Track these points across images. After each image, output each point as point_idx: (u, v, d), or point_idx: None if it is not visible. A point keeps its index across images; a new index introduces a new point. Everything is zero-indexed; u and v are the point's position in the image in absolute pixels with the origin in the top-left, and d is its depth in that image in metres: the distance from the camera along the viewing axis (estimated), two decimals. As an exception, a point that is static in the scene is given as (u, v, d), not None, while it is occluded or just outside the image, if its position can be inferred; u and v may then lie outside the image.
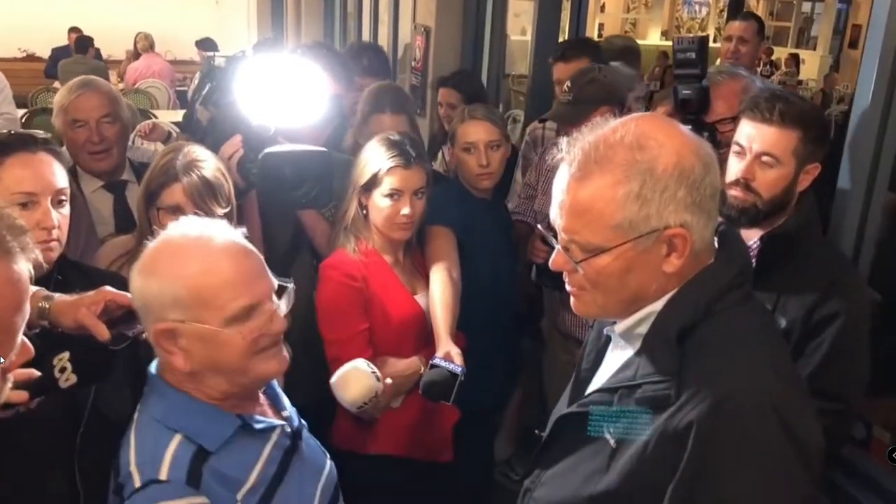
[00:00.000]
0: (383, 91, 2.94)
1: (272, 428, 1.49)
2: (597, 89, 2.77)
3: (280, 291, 1.45)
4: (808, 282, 1.92)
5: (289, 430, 1.53)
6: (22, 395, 1.40)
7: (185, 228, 1.40)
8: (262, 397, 1.55)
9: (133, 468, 1.33)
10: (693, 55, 2.25)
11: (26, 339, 1.02)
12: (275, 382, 1.60)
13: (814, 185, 2.00)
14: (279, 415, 1.56)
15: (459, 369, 2.14)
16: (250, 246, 1.43)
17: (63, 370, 1.49)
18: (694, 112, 2.27)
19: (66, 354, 1.48)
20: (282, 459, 1.48)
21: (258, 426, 1.45)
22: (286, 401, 1.61)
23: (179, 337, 1.35)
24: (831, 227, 2.34)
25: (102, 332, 1.46)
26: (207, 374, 1.39)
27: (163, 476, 1.31)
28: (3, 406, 1.35)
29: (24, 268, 0.97)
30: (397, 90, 2.99)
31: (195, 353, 1.36)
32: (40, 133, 1.99)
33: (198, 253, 1.36)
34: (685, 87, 2.27)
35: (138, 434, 1.39)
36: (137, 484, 1.31)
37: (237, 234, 1.42)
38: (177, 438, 1.36)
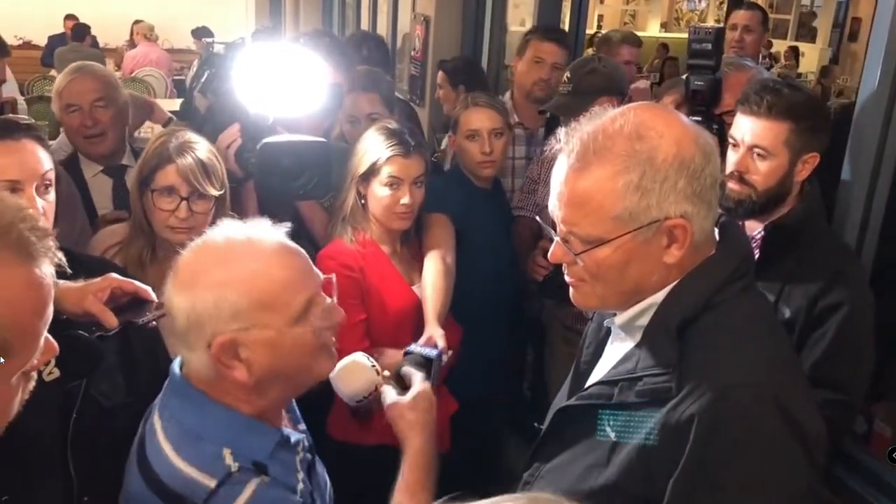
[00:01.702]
0: (357, 72, 2.93)
1: (299, 441, 1.44)
2: (597, 79, 2.77)
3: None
4: (812, 271, 1.92)
5: (306, 444, 1.49)
6: None
7: (228, 233, 1.33)
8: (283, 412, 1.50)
9: (191, 471, 1.26)
10: (709, 46, 2.24)
11: (50, 337, 1.00)
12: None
13: (818, 175, 2.00)
14: (296, 428, 1.52)
15: (436, 353, 2.12)
16: (294, 245, 1.37)
17: (46, 363, 1.47)
18: (704, 104, 2.27)
19: None
20: (307, 473, 1.45)
21: (293, 438, 1.41)
22: (299, 414, 1.57)
23: (241, 347, 1.27)
24: (835, 218, 2.33)
25: (110, 320, 1.44)
26: (268, 384, 1.32)
27: (234, 468, 1.26)
28: None
29: (47, 271, 0.95)
30: (371, 72, 2.98)
31: (259, 363, 1.28)
32: (23, 118, 1.97)
33: (249, 256, 1.29)
34: (698, 77, 2.26)
35: (173, 441, 1.30)
36: (212, 482, 1.25)
37: (281, 233, 1.36)
38: (226, 451, 1.29)
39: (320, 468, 1.55)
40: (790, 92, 1.94)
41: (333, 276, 1.42)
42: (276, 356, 1.29)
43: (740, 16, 3.86)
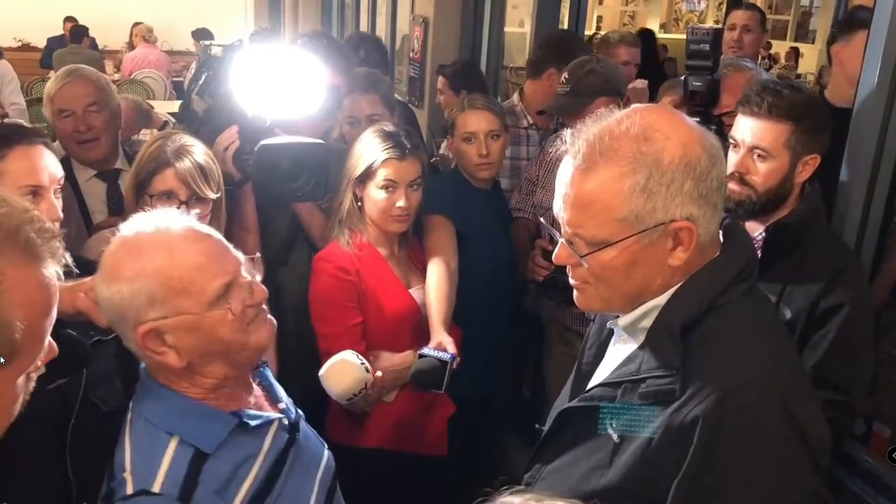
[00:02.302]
0: (356, 74, 2.92)
1: (269, 422, 1.46)
2: (595, 80, 2.77)
3: (249, 264, 1.44)
4: (813, 272, 1.92)
5: (286, 422, 1.50)
6: None
7: (138, 226, 1.36)
8: (256, 388, 1.52)
9: (127, 474, 1.31)
10: (707, 47, 2.24)
11: (51, 339, 1.01)
12: (269, 373, 1.58)
13: (819, 175, 2.00)
14: (275, 406, 1.53)
15: (449, 356, 2.12)
16: (206, 228, 1.42)
17: None
18: (702, 104, 2.27)
19: None
20: (279, 453, 1.45)
21: (254, 423, 1.42)
22: (282, 392, 1.58)
23: (165, 334, 1.32)
24: (834, 218, 2.32)
25: (101, 318, 1.45)
26: (204, 363, 1.36)
27: (156, 488, 1.28)
28: None
29: (53, 272, 0.97)
30: (371, 74, 2.97)
31: (186, 346, 1.33)
32: (27, 125, 1.98)
33: (160, 245, 1.33)
34: (696, 78, 2.26)
35: (133, 437, 1.36)
36: (129, 491, 1.28)
37: (191, 220, 1.41)
38: (173, 442, 1.33)
39: (309, 444, 1.57)
40: (791, 93, 1.94)
41: (258, 255, 1.47)
42: (200, 338, 1.33)
43: (739, 16, 3.86)
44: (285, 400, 1.57)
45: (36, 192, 1.75)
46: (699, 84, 2.25)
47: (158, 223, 1.35)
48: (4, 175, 1.74)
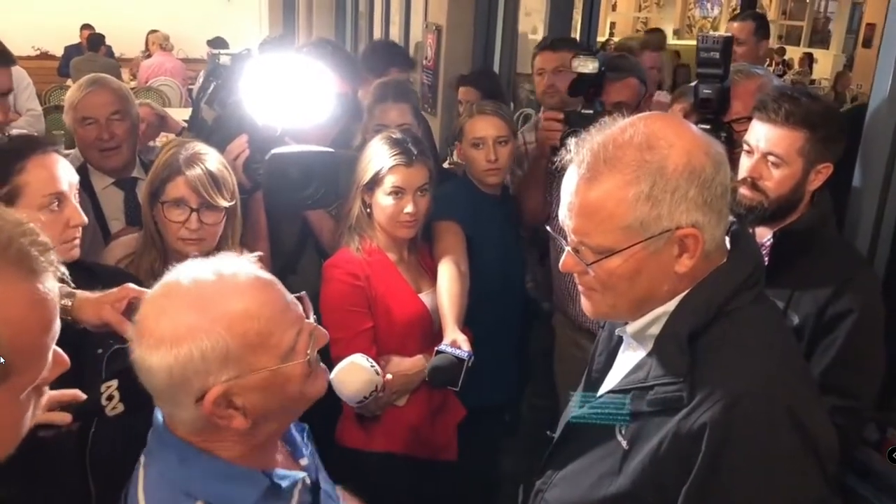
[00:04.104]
0: (386, 83, 2.95)
1: (295, 484, 1.32)
2: (626, 63, 2.91)
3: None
4: (821, 278, 1.91)
5: (308, 482, 1.37)
6: (65, 417, 1.40)
7: (193, 275, 1.19)
8: (280, 444, 1.39)
9: None
10: (717, 55, 2.24)
11: (60, 351, 0.97)
12: (292, 426, 1.44)
13: (830, 181, 1.99)
14: (297, 464, 1.40)
15: (466, 354, 2.13)
16: (267, 273, 1.27)
17: (111, 398, 1.47)
18: (713, 112, 2.27)
19: (115, 382, 1.46)
20: None
21: (284, 483, 1.28)
22: (301, 443, 1.44)
23: (235, 396, 1.16)
24: (846, 225, 2.31)
25: (127, 330, 1.43)
26: (264, 422, 1.22)
27: None
28: (44, 426, 1.33)
29: (50, 286, 0.92)
30: (400, 82, 3.01)
31: (255, 406, 1.18)
32: (35, 134, 2.00)
33: (226, 295, 1.17)
34: (706, 86, 2.26)
35: (149, 495, 1.21)
36: None
37: (252, 265, 1.25)
38: None
39: (327, 500, 1.45)
40: (808, 101, 1.94)
41: (304, 293, 1.31)
42: (271, 395, 1.20)
43: (732, 27, 3.94)
44: (307, 454, 1.44)
45: (59, 199, 1.77)
46: (709, 91, 2.25)
47: (220, 269, 1.20)
48: (26, 187, 1.74)
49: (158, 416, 1.26)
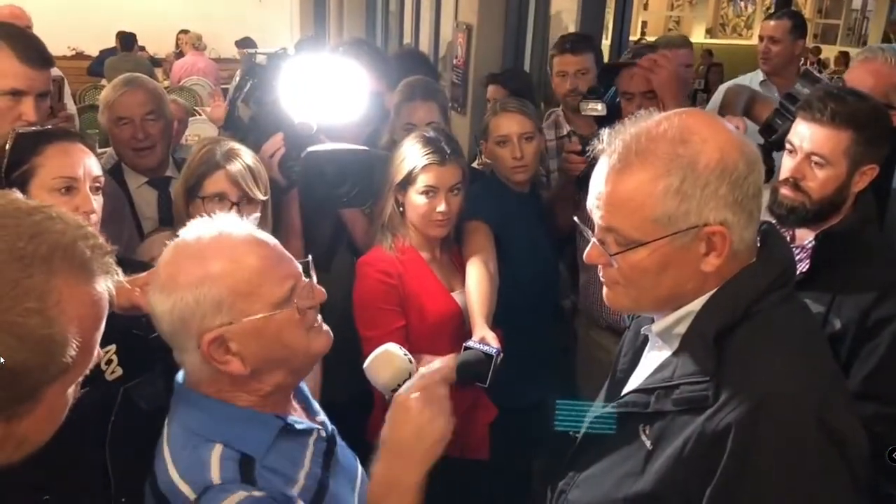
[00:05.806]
0: (413, 82, 2.96)
1: (310, 430, 1.45)
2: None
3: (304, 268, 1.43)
4: (864, 282, 1.87)
5: (324, 434, 1.49)
6: None
7: (197, 231, 1.33)
8: (294, 402, 1.51)
9: (178, 481, 1.27)
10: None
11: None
12: (306, 388, 1.57)
13: (872, 184, 1.95)
14: (313, 419, 1.52)
15: (494, 350, 2.12)
16: (264, 233, 1.40)
17: (109, 362, 1.50)
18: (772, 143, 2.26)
19: (113, 347, 1.50)
20: (323, 462, 1.45)
21: (299, 426, 1.41)
22: (318, 407, 1.58)
23: (230, 341, 1.28)
24: (885, 227, 2.27)
25: None
26: (266, 371, 1.34)
27: (216, 479, 1.25)
28: None
29: (104, 287, 0.98)
30: (428, 81, 3.02)
31: (251, 351, 1.30)
32: (72, 129, 2.04)
33: (224, 250, 1.30)
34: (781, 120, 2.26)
35: (173, 447, 1.33)
36: (192, 495, 1.25)
37: (250, 225, 1.39)
38: (218, 448, 1.29)
39: (344, 457, 1.55)
40: (855, 100, 1.91)
41: (309, 258, 1.44)
42: (266, 343, 1.31)
43: (766, 27, 3.88)
44: (322, 414, 1.57)
45: (70, 185, 1.78)
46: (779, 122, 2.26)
47: (219, 228, 1.34)
48: (40, 168, 1.77)
49: (178, 377, 1.39)
